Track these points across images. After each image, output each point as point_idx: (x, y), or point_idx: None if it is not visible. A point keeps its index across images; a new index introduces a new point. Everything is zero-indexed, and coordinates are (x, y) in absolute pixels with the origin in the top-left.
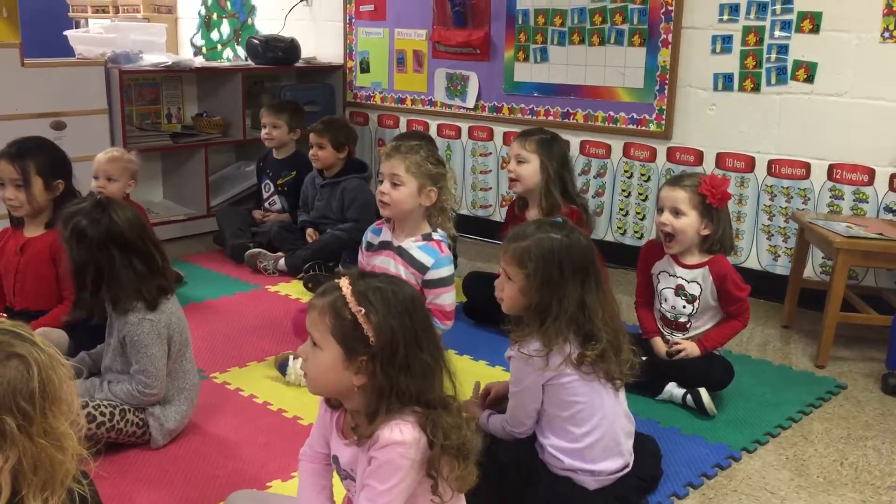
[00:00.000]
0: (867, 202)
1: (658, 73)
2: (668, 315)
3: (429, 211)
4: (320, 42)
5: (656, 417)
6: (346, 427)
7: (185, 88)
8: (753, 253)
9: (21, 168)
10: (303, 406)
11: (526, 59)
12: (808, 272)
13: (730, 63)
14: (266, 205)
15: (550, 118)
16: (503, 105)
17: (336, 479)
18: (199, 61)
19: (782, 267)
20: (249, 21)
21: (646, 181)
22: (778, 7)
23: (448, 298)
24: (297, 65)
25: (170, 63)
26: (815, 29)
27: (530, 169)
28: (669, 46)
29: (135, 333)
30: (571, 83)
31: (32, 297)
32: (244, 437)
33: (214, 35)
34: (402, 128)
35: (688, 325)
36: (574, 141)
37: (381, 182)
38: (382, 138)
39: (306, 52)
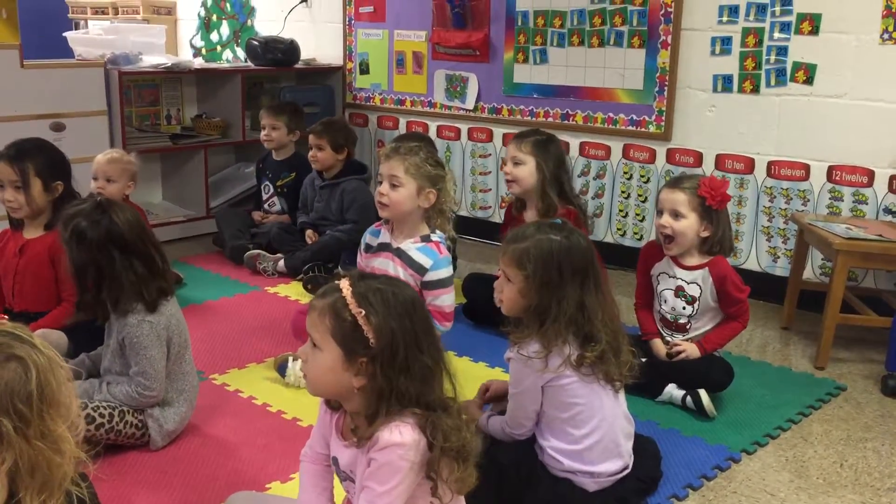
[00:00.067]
0: (866, 204)
1: (657, 74)
2: (668, 316)
3: (428, 212)
4: (320, 43)
5: (656, 419)
6: (346, 428)
7: (184, 90)
8: (753, 254)
9: (20, 170)
10: (302, 407)
11: (525, 60)
12: (808, 273)
13: (729, 64)
14: (265, 206)
15: (550, 119)
16: (503, 106)
17: (336, 480)
18: (199, 63)
19: (782, 268)
20: (249, 22)
21: (645, 182)
22: (777, 8)
23: (447, 300)
24: (297, 66)
25: (169, 64)
26: (815, 30)
27: (527, 170)
28: (669, 48)
29: (134, 335)
30: (571, 84)
31: (32, 299)
32: (243, 439)
33: (214, 36)
34: (402, 129)
35: (687, 327)
36: (573, 142)
37: (381, 183)
38: (382, 140)
39: (306, 53)
